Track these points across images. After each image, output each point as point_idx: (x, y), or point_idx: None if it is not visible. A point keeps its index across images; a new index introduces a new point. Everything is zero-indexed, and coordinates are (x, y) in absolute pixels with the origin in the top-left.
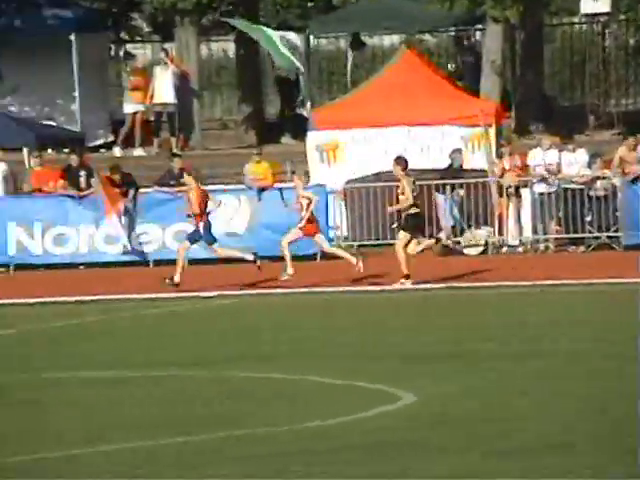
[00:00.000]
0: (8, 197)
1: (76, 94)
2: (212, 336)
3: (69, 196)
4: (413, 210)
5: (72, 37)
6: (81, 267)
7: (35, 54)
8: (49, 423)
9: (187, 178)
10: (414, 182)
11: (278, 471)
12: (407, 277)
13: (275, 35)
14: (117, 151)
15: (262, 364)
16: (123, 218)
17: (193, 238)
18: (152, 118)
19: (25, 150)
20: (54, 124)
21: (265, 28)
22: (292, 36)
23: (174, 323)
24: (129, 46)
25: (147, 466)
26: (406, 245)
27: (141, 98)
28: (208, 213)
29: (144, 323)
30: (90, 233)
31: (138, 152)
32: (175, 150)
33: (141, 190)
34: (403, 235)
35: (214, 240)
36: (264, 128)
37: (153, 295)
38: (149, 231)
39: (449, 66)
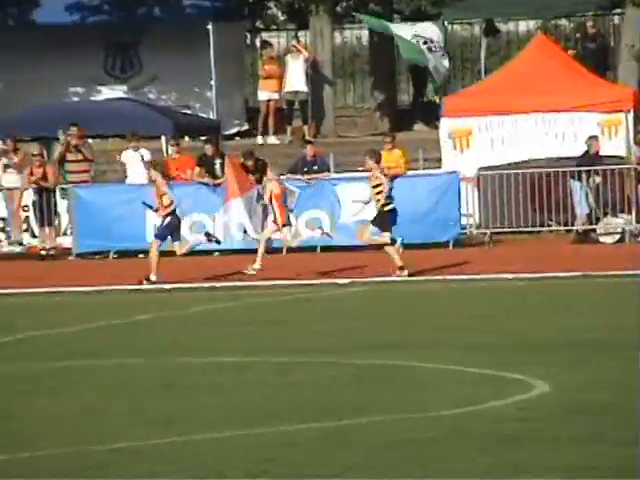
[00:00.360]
0: (146, 185)
1: (213, 82)
2: (347, 323)
3: (205, 184)
4: (388, 207)
5: (209, 26)
6: (216, 254)
7: (173, 43)
8: (187, 406)
9: (153, 172)
10: (386, 175)
11: (409, 458)
12: (402, 268)
13: (406, 33)
14: (259, 139)
15: (398, 351)
16: (256, 205)
17: (164, 235)
18: (285, 106)
19: (163, 138)
20: (191, 112)
21: (394, 26)
22: (427, 27)
23: (307, 310)
24: (264, 34)
25: (284, 450)
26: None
27: (275, 86)
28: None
29: (278, 310)
30: (225, 220)
31: (271, 140)
32: (307, 137)
33: None
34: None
35: (164, 239)
36: (397, 115)
37: (287, 282)
38: None
39: (569, 52)
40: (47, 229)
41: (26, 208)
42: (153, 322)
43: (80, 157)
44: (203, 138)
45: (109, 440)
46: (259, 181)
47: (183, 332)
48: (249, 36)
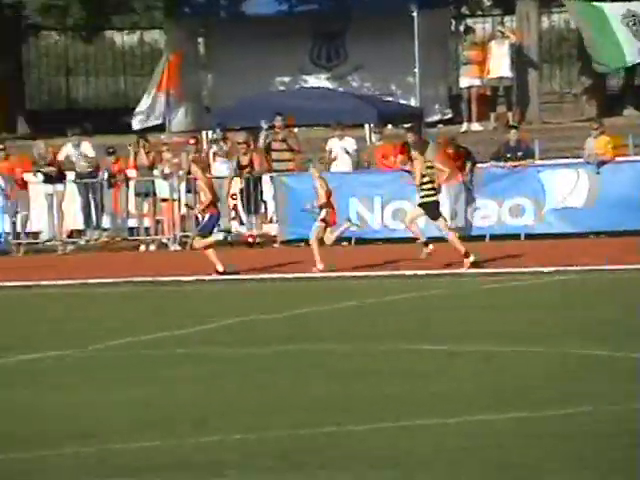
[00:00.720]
0: (350, 173)
1: (416, 70)
2: (547, 312)
3: (407, 172)
4: (433, 198)
5: (414, 13)
6: (418, 242)
7: (378, 31)
8: (382, 392)
9: (193, 167)
10: (429, 167)
11: (600, 451)
12: (466, 255)
13: (617, 12)
14: (464, 126)
15: (606, 342)
16: (462, 193)
17: (208, 230)
18: (489, 92)
19: (367, 126)
20: (393, 100)
21: (602, 5)
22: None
23: (510, 298)
24: (469, 20)
25: (483, 439)
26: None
27: (478, 72)
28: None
29: (480, 297)
30: None
31: (475, 127)
32: (512, 123)
33: (477, 165)
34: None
35: (209, 234)
36: (605, 100)
37: (489, 270)
38: (486, 206)
39: None
40: (254, 217)
41: (234, 196)
42: (358, 308)
43: (285, 146)
44: (406, 126)
45: (313, 424)
46: (461, 169)
47: (390, 319)
48: (454, 22)
